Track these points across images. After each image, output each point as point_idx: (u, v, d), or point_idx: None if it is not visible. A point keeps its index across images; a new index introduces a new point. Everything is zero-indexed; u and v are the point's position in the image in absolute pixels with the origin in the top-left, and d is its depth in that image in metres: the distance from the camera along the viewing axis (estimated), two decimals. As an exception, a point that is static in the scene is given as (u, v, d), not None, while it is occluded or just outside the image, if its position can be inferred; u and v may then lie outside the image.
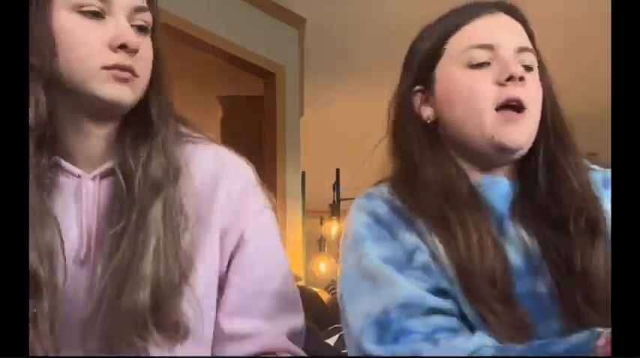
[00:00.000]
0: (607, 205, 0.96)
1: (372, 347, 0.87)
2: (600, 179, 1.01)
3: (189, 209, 0.94)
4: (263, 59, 3.65)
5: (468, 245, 0.90)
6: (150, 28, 0.97)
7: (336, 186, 5.05)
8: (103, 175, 0.95)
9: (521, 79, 0.95)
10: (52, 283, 0.87)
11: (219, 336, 0.97)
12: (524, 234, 0.96)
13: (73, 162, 0.96)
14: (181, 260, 0.91)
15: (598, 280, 0.91)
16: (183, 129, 1.02)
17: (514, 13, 1.02)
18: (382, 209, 0.96)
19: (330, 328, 1.98)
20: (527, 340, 0.84)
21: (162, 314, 0.88)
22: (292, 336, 1.00)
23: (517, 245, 0.95)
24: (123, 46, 0.91)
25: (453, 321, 0.88)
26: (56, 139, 0.95)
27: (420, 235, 0.93)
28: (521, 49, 0.98)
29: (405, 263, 0.91)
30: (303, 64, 4.06)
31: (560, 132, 1.01)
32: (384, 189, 1.00)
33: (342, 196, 5.02)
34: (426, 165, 0.98)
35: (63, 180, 0.95)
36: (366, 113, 4.97)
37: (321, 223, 5.37)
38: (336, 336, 1.82)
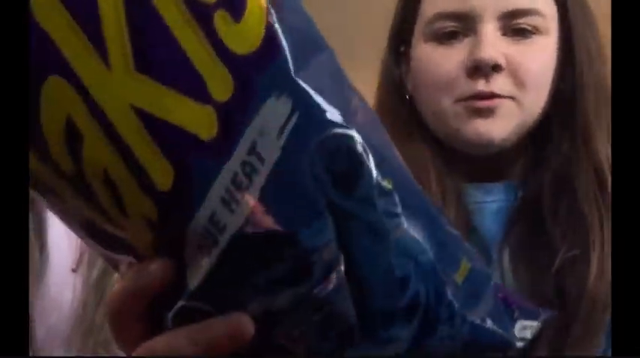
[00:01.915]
0: None
1: None
2: None
3: None
4: (263, 59, 3.65)
5: None
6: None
7: (336, 186, 5.04)
8: None
9: (496, 67, 0.71)
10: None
11: None
12: (510, 270, 0.73)
13: None
14: None
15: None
16: None
17: None
18: None
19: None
20: None
21: None
22: None
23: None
24: None
25: None
26: None
27: None
28: (511, 14, 0.72)
29: None
30: (302, 64, 4.06)
31: (585, 128, 0.74)
32: None
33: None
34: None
35: None
36: (366, 113, 4.98)
37: (321, 223, 5.35)
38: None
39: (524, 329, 0.39)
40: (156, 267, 0.31)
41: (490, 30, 0.71)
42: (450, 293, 0.33)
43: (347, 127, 0.29)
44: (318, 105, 0.28)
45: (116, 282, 0.35)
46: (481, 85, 0.72)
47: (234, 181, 0.27)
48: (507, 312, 0.39)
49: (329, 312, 0.30)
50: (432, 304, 0.32)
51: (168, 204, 0.29)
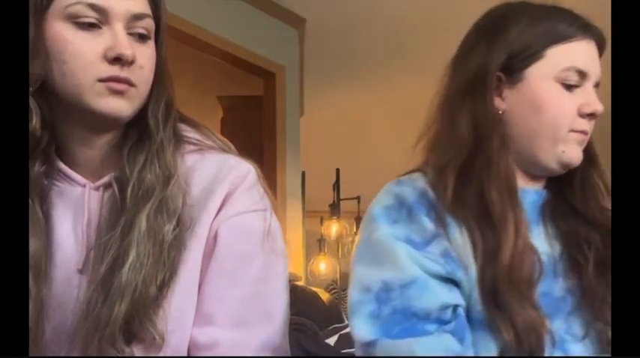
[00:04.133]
0: None
1: (363, 322, 0.90)
2: None
3: (187, 218, 0.92)
4: (263, 59, 3.65)
5: (515, 246, 0.91)
6: (152, 34, 0.94)
7: (336, 186, 5.05)
8: (107, 185, 0.94)
9: (593, 116, 1.01)
10: (35, 293, 0.88)
11: (191, 346, 0.92)
12: (549, 236, 1.00)
13: (78, 171, 0.95)
14: (162, 269, 0.89)
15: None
16: (195, 136, 1.00)
17: (602, 45, 1.04)
18: (409, 194, 0.95)
19: (329, 328, 1.98)
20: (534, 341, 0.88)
21: (137, 326, 0.87)
22: (260, 350, 0.92)
23: (542, 248, 0.97)
24: (118, 58, 0.88)
25: (449, 312, 0.89)
26: (60, 147, 0.95)
27: (445, 226, 0.93)
28: (596, 84, 1.02)
29: (420, 245, 0.91)
30: (303, 64, 4.06)
31: (596, 154, 1.07)
32: (418, 177, 0.99)
33: (342, 196, 5.02)
34: (494, 155, 0.96)
35: (66, 187, 0.95)
36: (367, 113, 4.98)
37: (321, 223, 5.36)
38: (336, 336, 1.82)
39: None
40: None
41: (593, 90, 1.02)
42: None
43: None
44: None
45: None
46: (586, 125, 1.01)
47: None
48: None
49: None
50: None
51: None
